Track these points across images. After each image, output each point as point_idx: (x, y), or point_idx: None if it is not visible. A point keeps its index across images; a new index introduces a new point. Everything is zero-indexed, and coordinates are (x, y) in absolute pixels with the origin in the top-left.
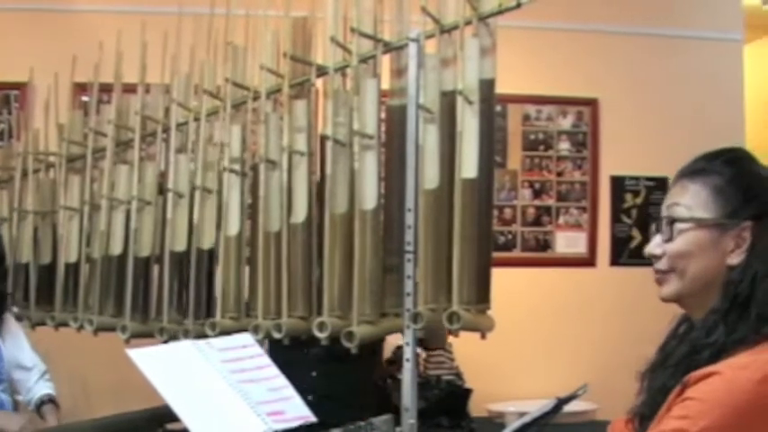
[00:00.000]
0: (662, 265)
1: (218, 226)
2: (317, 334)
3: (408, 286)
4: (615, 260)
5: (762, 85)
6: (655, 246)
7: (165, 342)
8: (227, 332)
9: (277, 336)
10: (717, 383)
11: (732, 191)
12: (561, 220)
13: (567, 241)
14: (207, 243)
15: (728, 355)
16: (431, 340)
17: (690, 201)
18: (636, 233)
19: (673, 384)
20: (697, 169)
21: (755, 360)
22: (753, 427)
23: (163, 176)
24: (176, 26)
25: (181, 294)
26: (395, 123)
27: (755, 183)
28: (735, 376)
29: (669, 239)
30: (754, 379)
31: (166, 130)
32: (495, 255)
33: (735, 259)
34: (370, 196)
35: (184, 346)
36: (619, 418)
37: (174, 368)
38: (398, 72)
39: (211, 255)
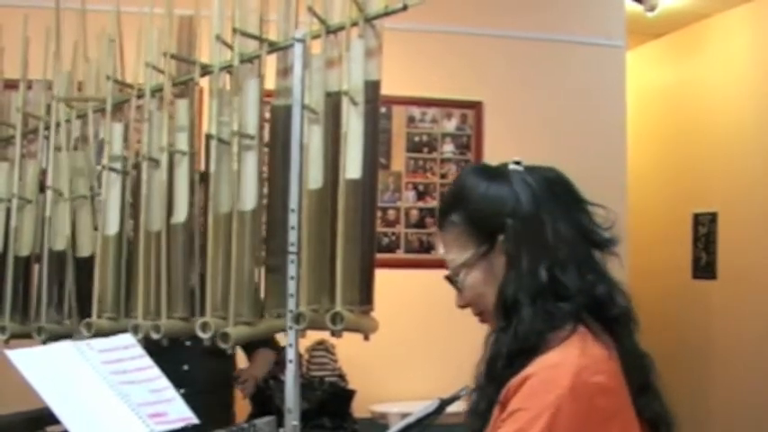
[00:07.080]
0: (473, 312)
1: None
2: (200, 334)
3: (291, 287)
4: None
5: (643, 90)
6: (457, 300)
7: (44, 342)
8: (104, 333)
9: (156, 336)
10: (535, 387)
11: (473, 221)
12: None
13: None
14: (84, 244)
15: (526, 359)
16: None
17: (451, 252)
18: None
19: (489, 389)
20: (440, 219)
21: (566, 356)
22: (580, 420)
23: (44, 174)
24: (59, 21)
25: (60, 294)
26: (279, 123)
27: (484, 202)
28: (549, 376)
29: (461, 292)
30: (569, 373)
31: (48, 127)
32: (379, 256)
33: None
34: (249, 197)
35: (64, 347)
36: None
37: (54, 369)
38: (284, 72)
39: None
